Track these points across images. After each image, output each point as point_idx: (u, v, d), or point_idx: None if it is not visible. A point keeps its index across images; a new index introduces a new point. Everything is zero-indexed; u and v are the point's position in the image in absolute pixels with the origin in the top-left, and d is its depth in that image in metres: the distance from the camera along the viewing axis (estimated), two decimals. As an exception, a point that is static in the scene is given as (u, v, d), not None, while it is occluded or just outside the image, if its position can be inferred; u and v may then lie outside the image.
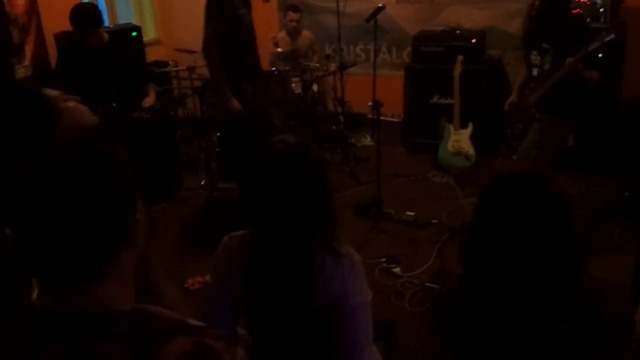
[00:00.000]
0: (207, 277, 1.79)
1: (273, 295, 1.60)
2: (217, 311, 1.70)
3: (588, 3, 4.51)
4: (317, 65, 5.35)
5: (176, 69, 5.73)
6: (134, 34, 5.16)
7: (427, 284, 3.31)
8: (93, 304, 0.87)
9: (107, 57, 3.78)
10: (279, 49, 5.33)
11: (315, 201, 1.55)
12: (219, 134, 4.94)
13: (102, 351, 0.84)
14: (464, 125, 4.83)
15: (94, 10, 3.78)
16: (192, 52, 5.40)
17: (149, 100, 4.03)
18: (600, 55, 3.37)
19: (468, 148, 4.79)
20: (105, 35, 3.84)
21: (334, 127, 5.51)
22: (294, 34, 5.56)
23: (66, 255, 0.86)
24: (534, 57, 3.56)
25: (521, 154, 3.70)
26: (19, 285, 1.92)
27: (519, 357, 1.27)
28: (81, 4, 3.71)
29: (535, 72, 3.59)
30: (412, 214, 4.11)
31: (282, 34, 5.68)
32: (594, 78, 3.37)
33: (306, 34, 5.67)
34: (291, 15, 5.50)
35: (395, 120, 5.74)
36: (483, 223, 1.32)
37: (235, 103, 3.81)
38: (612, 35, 3.19)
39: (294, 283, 1.56)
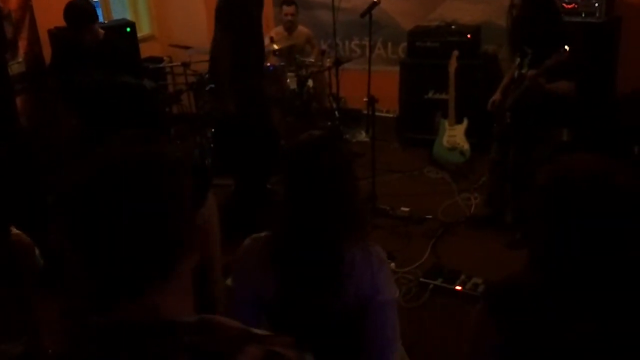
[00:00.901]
0: (228, 281, 1.77)
1: (305, 293, 1.58)
2: (242, 314, 1.68)
3: (583, -3, 4.50)
4: (313, 60, 5.34)
5: (171, 64, 5.70)
6: (128, 29, 5.13)
7: (421, 279, 3.31)
8: (158, 315, 0.85)
9: (102, 54, 3.76)
10: (275, 46, 5.31)
11: (341, 197, 1.56)
12: (213, 130, 4.94)
13: None
14: (459, 121, 4.83)
15: (88, 7, 3.76)
16: (186, 47, 5.38)
17: None
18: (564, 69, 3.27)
19: (463, 143, 4.79)
20: (101, 32, 3.81)
21: (329, 123, 5.50)
22: (290, 28, 5.53)
23: (128, 263, 0.83)
24: (517, 58, 3.50)
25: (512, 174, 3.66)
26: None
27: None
28: (74, 1, 3.69)
29: (516, 74, 3.53)
30: (407, 209, 4.11)
31: (278, 29, 5.66)
32: (565, 89, 3.28)
33: (303, 29, 5.65)
34: (285, 9, 5.48)
35: (391, 115, 5.73)
36: (551, 224, 1.28)
37: (231, 106, 3.76)
38: (565, 53, 3.14)
39: (327, 280, 1.56)
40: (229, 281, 1.75)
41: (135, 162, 0.85)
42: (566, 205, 1.25)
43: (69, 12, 3.62)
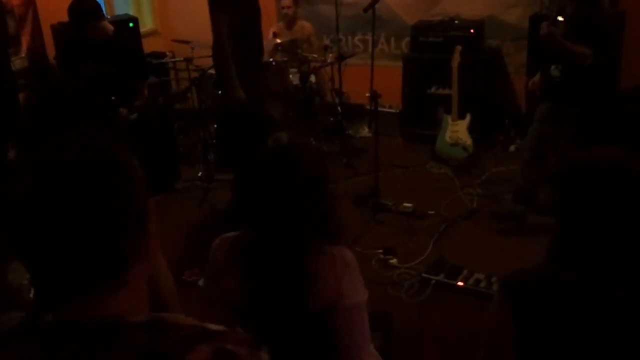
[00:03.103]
0: (201, 282, 1.77)
1: (268, 297, 1.58)
2: (212, 313, 1.67)
3: (587, -8, 4.47)
4: (315, 55, 5.33)
5: (173, 60, 5.72)
6: (130, 24, 5.13)
7: (424, 274, 3.31)
8: (106, 315, 0.84)
9: (109, 49, 3.77)
10: (278, 40, 5.30)
11: (309, 202, 1.54)
12: (216, 125, 4.94)
13: None
14: (461, 116, 4.82)
15: (92, 5, 3.76)
16: (189, 42, 5.38)
17: (140, 99, 4.00)
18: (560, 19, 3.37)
19: (466, 139, 4.79)
20: (110, 28, 3.81)
21: (331, 118, 5.50)
22: (289, 21, 5.51)
23: (76, 267, 0.82)
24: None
25: (527, 145, 3.71)
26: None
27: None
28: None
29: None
30: (409, 205, 4.11)
31: (280, 25, 5.65)
32: (584, 53, 3.30)
33: (305, 24, 5.63)
34: (283, 2, 5.46)
35: (393, 111, 5.72)
36: (573, 218, 1.29)
37: (241, 93, 3.72)
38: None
39: (289, 285, 1.55)
40: (201, 282, 1.74)
41: (86, 163, 0.83)
42: (582, 199, 1.26)
43: (72, 9, 3.64)
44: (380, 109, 4.35)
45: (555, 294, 1.28)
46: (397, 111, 5.68)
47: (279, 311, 1.58)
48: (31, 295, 2.34)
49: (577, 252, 1.28)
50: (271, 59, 5.13)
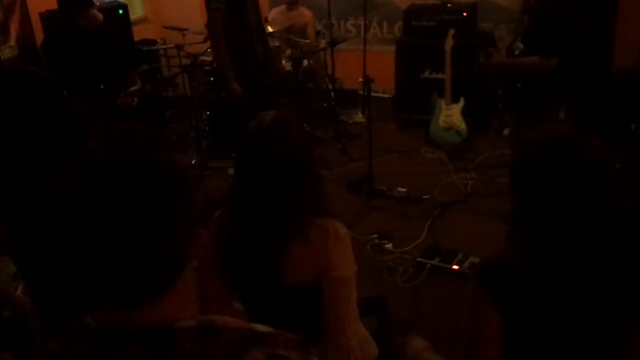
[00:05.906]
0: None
1: (252, 270, 1.62)
2: (210, 284, 1.69)
3: (581, -26, 4.45)
4: (308, 41, 5.29)
5: (164, 47, 5.66)
6: (120, 12, 5.08)
7: (418, 259, 3.32)
8: (156, 322, 0.82)
9: (98, 38, 3.72)
10: (270, 28, 5.24)
11: (292, 179, 1.55)
12: (208, 112, 4.92)
13: None
14: (455, 100, 4.81)
15: None
16: (180, 29, 5.33)
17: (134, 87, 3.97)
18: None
19: (459, 123, 4.78)
20: (100, 16, 3.77)
21: (325, 104, 5.47)
22: (291, 4, 5.45)
23: (132, 273, 0.80)
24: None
25: None
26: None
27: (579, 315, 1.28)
28: None
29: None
30: (404, 189, 4.11)
31: (280, 9, 5.55)
32: (535, 63, 3.17)
33: (305, 11, 5.56)
34: None
35: (387, 96, 5.70)
36: (521, 195, 1.31)
37: (236, 87, 3.66)
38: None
39: (273, 259, 1.58)
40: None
41: (140, 169, 0.80)
42: (530, 181, 1.28)
43: None
44: (373, 94, 4.33)
45: (523, 277, 1.30)
46: (391, 96, 5.66)
47: (264, 284, 1.62)
48: (18, 291, 2.34)
49: (533, 235, 1.29)
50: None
